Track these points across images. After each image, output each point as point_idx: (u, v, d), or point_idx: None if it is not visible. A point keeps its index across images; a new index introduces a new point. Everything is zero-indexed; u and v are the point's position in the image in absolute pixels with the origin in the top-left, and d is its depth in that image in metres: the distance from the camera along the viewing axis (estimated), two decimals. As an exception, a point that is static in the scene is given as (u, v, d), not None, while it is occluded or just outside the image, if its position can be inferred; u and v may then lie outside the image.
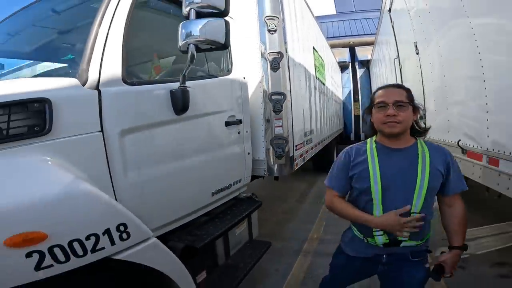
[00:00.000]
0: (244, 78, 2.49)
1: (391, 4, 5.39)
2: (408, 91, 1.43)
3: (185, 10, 1.29)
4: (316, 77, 5.31)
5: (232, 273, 2.15)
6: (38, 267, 0.97)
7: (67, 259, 1.01)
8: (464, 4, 2.30)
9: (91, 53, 1.28)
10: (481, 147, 2.15)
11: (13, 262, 0.95)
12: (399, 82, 5.52)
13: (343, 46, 13.34)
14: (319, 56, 5.91)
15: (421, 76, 3.82)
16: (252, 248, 2.55)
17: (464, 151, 2.43)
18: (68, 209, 1.02)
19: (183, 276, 1.41)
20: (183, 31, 1.29)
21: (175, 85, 1.59)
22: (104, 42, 1.32)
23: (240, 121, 2.34)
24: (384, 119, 1.36)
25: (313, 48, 5.13)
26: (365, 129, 1.37)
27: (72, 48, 1.43)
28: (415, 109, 1.41)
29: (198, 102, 1.77)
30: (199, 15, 1.28)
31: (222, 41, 1.28)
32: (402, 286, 1.51)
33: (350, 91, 13.53)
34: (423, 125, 1.52)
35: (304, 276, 2.82)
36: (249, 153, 2.58)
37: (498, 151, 1.77)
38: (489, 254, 2.94)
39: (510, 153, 1.80)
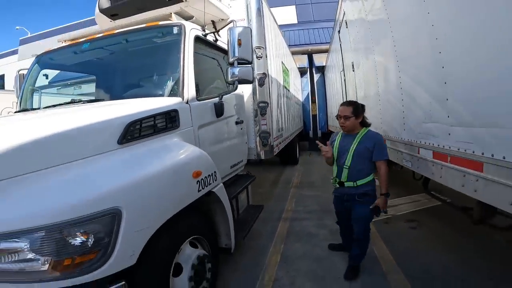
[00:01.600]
0: (242, 92, 3.67)
1: (340, 27, 6.91)
2: (353, 106, 2.54)
3: (231, 60, 2.41)
4: (283, 86, 6.64)
5: (242, 225, 3.09)
6: (198, 190, 1.97)
7: (203, 187, 2.04)
8: (373, 47, 3.78)
9: (183, 83, 2.34)
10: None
11: (192, 186, 1.92)
12: (344, 89, 7.11)
13: (303, 53, 14.85)
14: (285, 67, 7.26)
15: (355, 87, 5.38)
16: (251, 209, 3.67)
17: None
18: (202, 159, 2.09)
19: (229, 209, 2.50)
20: (230, 71, 2.42)
21: (216, 100, 2.72)
22: (188, 77, 2.39)
23: (242, 121, 3.52)
24: (340, 124, 2.59)
25: (282, 62, 6.46)
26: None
27: (167, 78, 2.45)
28: (358, 115, 2.52)
29: (225, 109, 2.90)
30: (238, 63, 2.43)
31: (251, 79, 2.45)
32: (354, 218, 2.61)
33: (308, 94, 15.22)
34: (368, 121, 2.63)
35: (287, 231, 3.93)
36: (246, 142, 3.78)
37: (385, 135, 3.22)
38: (404, 215, 4.23)
39: (390, 136, 3.27)
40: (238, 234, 2.81)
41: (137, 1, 3.07)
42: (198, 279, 2.04)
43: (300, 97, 13.65)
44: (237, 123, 3.36)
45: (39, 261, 1.23)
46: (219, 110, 2.70)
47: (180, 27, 2.54)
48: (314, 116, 14.97)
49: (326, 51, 13.11)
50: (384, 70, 3.41)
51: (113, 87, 2.73)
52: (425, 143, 2.37)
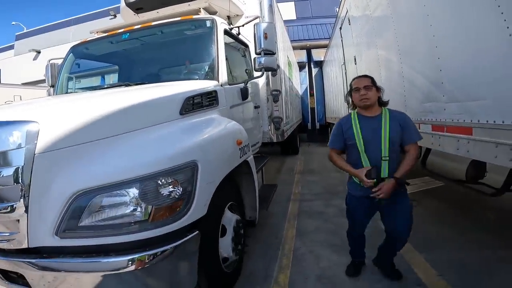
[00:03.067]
0: (257, 80, 4.03)
1: (341, 24, 7.31)
2: (371, 78, 2.11)
3: (257, 50, 2.77)
4: (288, 77, 7.04)
5: (262, 199, 3.28)
6: (240, 157, 2.30)
7: (242, 155, 2.38)
8: (377, 42, 4.19)
9: (217, 70, 2.70)
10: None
11: (237, 152, 2.24)
12: (345, 81, 7.53)
13: (301, 48, 15.18)
14: (289, 60, 7.66)
15: (359, 78, 5.81)
16: (267, 187, 4.06)
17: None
18: (241, 131, 2.45)
19: (256, 179, 2.84)
20: (257, 60, 2.77)
21: (241, 85, 3.09)
22: (221, 64, 2.75)
23: (259, 106, 3.90)
24: (359, 97, 2.04)
25: (287, 56, 6.85)
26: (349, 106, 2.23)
27: (204, 64, 2.82)
28: (378, 89, 2.07)
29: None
30: (264, 53, 2.79)
31: (275, 67, 2.83)
32: (397, 212, 2.08)
33: (306, 87, 15.62)
34: (384, 99, 2.15)
35: (298, 211, 4.27)
36: (261, 126, 4.16)
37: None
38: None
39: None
40: (261, 206, 3.09)
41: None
42: (237, 241, 2.26)
43: (299, 90, 14.03)
44: (255, 107, 3.74)
45: (142, 210, 1.38)
46: (244, 94, 3.08)
47: (213, 21, 2.90)
48: (312, 109, 15.39)
49: (324, 46, 13.36)
50: (386, 62, 3.83)
51: (152, 73, 3.07)
52: (425, 119, 2.81)
